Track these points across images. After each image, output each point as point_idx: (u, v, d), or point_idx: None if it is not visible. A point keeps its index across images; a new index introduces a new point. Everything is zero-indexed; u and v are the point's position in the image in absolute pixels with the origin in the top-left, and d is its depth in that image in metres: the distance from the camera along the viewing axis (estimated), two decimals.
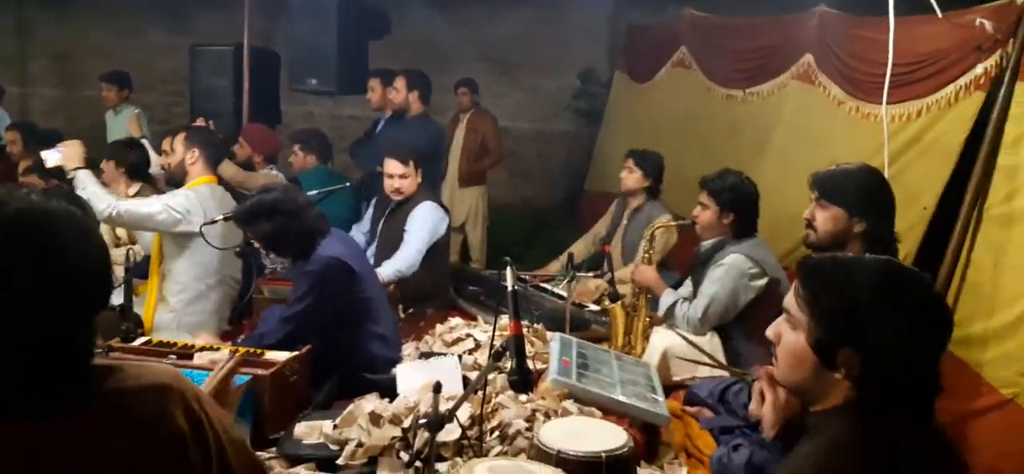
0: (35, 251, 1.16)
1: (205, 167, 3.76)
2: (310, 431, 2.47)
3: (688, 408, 2.84)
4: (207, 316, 3.71)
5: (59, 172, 3.78)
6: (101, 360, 1.30)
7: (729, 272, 3.19)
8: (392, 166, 4.09)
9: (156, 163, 4.58)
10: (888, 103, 3.55)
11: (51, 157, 3.67)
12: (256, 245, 3.16)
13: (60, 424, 1.20)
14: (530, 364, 2.85)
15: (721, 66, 5.36)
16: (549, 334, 3.24)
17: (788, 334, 1.43)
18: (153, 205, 3.59)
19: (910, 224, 3.43)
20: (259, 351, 2.88)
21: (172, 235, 3.64)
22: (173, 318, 3.66)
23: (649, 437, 2.48)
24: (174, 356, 2.84)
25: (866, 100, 3.90)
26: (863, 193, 2.66)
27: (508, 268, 1.92)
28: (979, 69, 3.23)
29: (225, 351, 2.87)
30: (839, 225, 2.65)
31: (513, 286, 1.89)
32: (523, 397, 2.42)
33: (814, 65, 4.39)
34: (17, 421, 1.18)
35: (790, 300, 1.44)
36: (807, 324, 1.39)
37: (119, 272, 3.27)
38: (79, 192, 3.48)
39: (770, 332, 1.49)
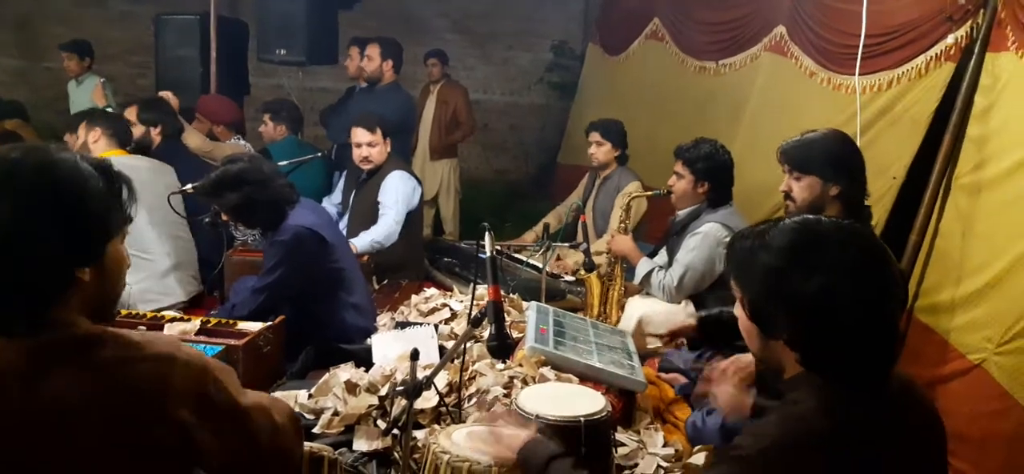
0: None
1: (109, 145, 3.74)
2: (286, 400, 2.44)
3: (663, 374, 2.86)
4: (149, 294, 3.61)
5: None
6: (104, 328, 1.29)
7: (705, 240, 3.21)
8: (360, 135, 4.05)
9: None
10: (859, 74, 3.58)
11: None
12: (224, 217, 3.09)
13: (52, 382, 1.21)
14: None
15: (694, 38, 5.36)
16: (525, 303, 3.23)
17: (738, 310, 1.46)
18: None
19: (880, 194, 3.47)
20: (231, 322, 2.85)
21: None
22: (128, 292, 3.54)
23: (626, 403, 2.49)
24: (144, 328, 2.78)
25: (838, 71, 3.92)
26: (834, 157, 2.68)
27: (487, 233, 1.90)
28: (949, 40, 3.25)
29: (197, 322, 2.83)
30: (815, 192, 2.67)
31: (492, 251, 1.87)
32: (500, 365, 2.41)
33: (787, 36, 4.40)
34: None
35: (729, 277, 1.47)
36: (740, 296, 1.42)
37: None
38: None
39: (735, 313, 1.50)
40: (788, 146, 2.76)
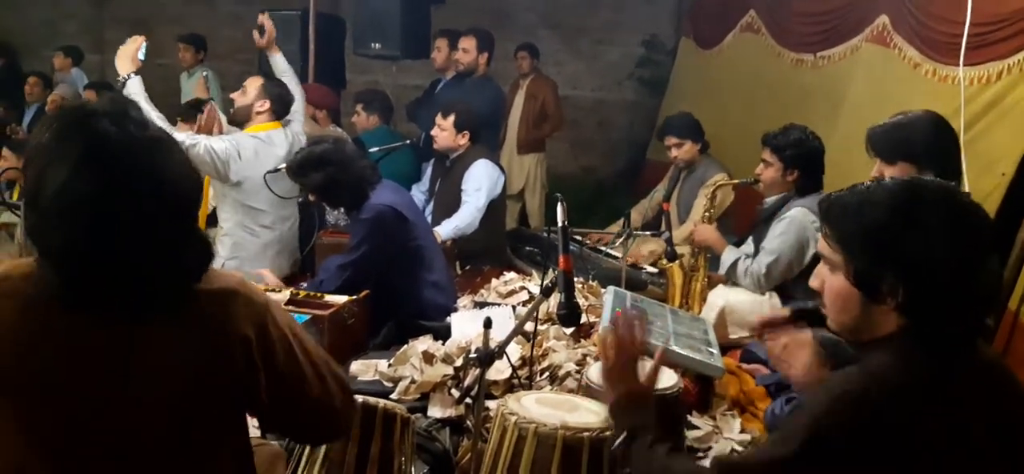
0: (138, 174, 1.24)
1: (270, 116, 3.77)
2: (366, 369, 2.53)
3: (745, 365, 2.79)
4: (255, 265, 3.60)
5: None
6: None
7: (792, 225, 3.12)
8: (437, 119, 4.16)
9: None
10: (966, 64, 3.40)
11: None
12: (312, 198, 3.22)
13: (137, 325, 1.27)
14: (584, 317, 2.86)
15: (792, 29, 5.21)
16: (604, 289, 3.22)
17: (829, 278, 1.40)
18: (198, 141, 3.52)
19: (988, 191, 3.29)
20: (319, 295, 2.96)
21: (217, 180, 3.63)
22: (219, 263, 3.59)
23: (702, 388, 2.45)
24: None
25: (943, 62, 3.74)
26: (926, 142, 2.56)
27: (559, 204, 1.91)
28: None
29: (286, 293, 2.95)
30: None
31: (564, 220, 1.88)
32: (573, 339, 2.41)
33: (890, 26, 4.22)
34: (102, 316, 1.25)
35: (822, 245, 1.41)
36: (843, 262, 1.35)
37: None
38: None
39: (813, 282, 1.45)
40: (876, 132, 2.65)
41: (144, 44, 3.57)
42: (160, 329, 1.28)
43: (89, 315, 1.25)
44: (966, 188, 3.01)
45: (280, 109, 3.81)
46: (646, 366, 1.62)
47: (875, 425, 1.25)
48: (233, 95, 3.90)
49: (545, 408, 1.82)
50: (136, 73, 3.49)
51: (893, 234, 1.30)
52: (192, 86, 6.45)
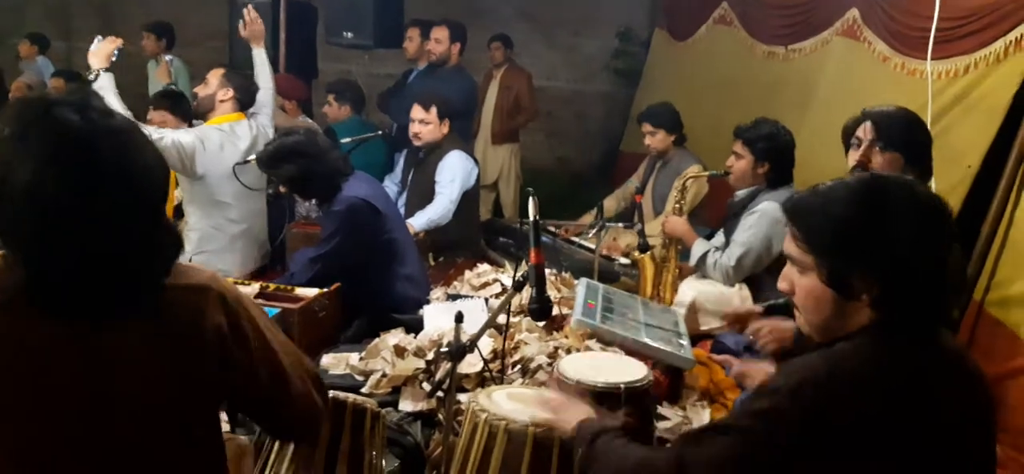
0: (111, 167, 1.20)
1: (234, 107, 3.72)
2: (337, 362, 2.52)
3: (715, 356, 2.81)
4: (222, 260, 3.59)
5: None
6: None
7: (762, 219, 3.15)
8: (415, 111, 4.14)
9: None
10: (934, 59, 3.45)
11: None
12: (282, 190, 3.19)
13: (111, 326, 1.24)
14: (556, 309, 2.87)
15: (763, 22, 5.25)
16: (577, 281, 3.23)
17: (800, 280, 1.40)
18: (165, 135, 3.48)
19: (953, 184, 3.34)
20: (289, 288, 2.94)
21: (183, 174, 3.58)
22: (185, 258, 3.62)
23: (673, 379, 2.47)
24: None
25: (912, 56, 3.79)
26: (915, 140, 2.58)
27: (530, 199, 1.91)
28: None
29: (255, 287, 2.93)
30: (895, 170, 2.56)
31: (535, 215, 1.88)
32: (547, 335, 2.42)
33: (859, 20, 4.27)
34: (77, 319, 1.22)
35: (790, 246, 1.41)
36: (813, 262, 1.35)
37: None
38: None
39: (781, 284, 1.45)
40: (876, 114, 2.63)
41: (120, 46, 3.57)
42: (131, 327, 1.26)
43: (58, 314, 1.22)
44: (933, 185, 3.06)
45: (244, 99, 3.76)
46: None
47: (834, 410, 1.25)
48: (196, 89, 3.87)
49: (515, 404, 1.82)
50: (107, 71, 3.47)
51: (861, 230, 1.31)
52: (156, 72, 6.35)
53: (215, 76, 3.75)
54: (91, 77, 3.46)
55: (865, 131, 2.60)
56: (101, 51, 3.48)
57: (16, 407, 1.23)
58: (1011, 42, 3.20)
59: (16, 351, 1.21)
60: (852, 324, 1.35)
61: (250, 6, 4.07)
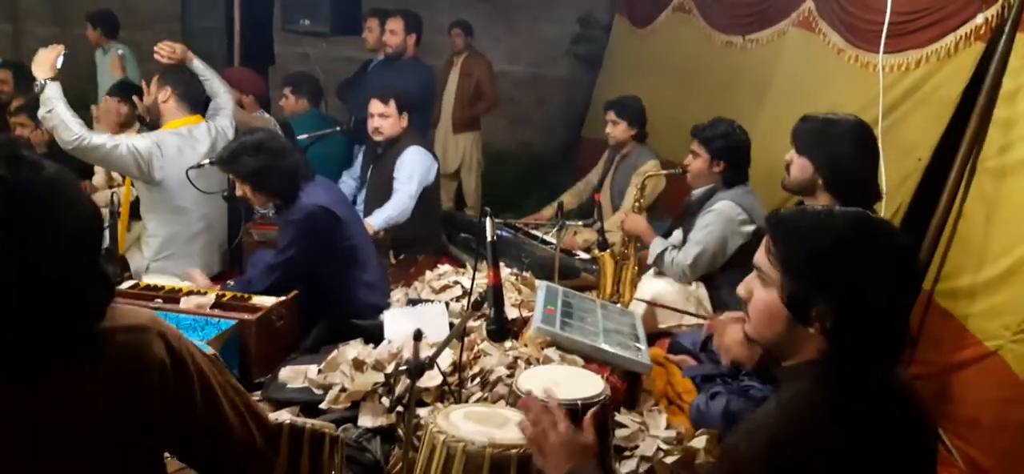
0: (36, 220, 1.17)
1: (179, 107, 3.61)
2: (295, 375, 2.50)
3: (671, 356, 2.86)
4: (181, 265, 3.52)
5: None
6: None
7: (718, 218, 3.19)
8: (374, 105, 4.10)
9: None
10: (887, 52, 3.50)
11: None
12: (239, 192, 3.14)
13: (42, 377, 1.21)
14: (517, 312, 2.88)
15: (721, 11, 5.27)
16: (537, 283, 3.24)
17: (759, 291, 1.41)
18: (120, 142, 3.41)
19: (905, 175, 3.41)
20: (246, 296, 2.90)
21: (141, 181, 3.51)
22: (144, 264, 3.58)
23: (630, 385, 2.50)
24: (161, 300, 2.85)
25: (865, 49, 3.83)
26: (841, 150, 2.67)
27: (487, 219, 1.91)
28: (979, 19, 3.16)
29: (212, 295, 2.88)
30: (806, 175, 2.68)
31: (492, 237, 1.88)
32: (506, 344, 2.43)
33: (815, 12, 4.30)
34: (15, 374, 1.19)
35: (761, 257, 1.41)
36: (779, 280, 1.36)
37: (104, 214, 3.24)
38: (43, 111, 3.30)
39: (741, 290, 1.46)
40: (802, 129, 2.74)
41: (63, 52, 3.46)
42: (67, 377, 1.23)
43: None
44: (884, 176, 3.13)
45: (188, 95, 3.65)
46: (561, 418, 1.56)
47: (792, 463, 1.27)
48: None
49: (473, 424, 1.82)
50: (53, 79, 3.37)
51: (836, 265, 1.31)
52: (107, 64, 6.17)
53: (152, 81, 3.67)
54: (38, 88, 3.36)
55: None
56: (45, 61, 3.38)
57: None
58: (961, 37, 3.26)
59: None
60: (800, 350, 1.37)
61: (163, 43, 3.86)
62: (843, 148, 2.65)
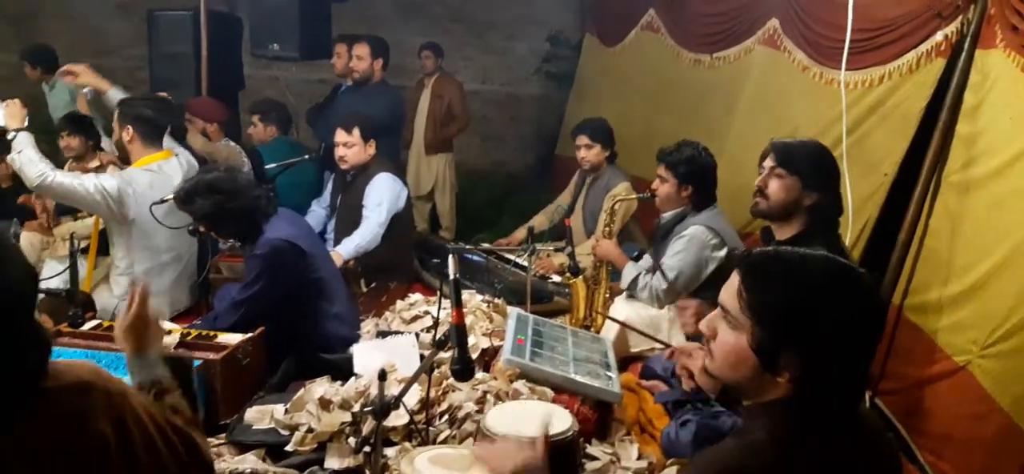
0: None
1: (144, 145, 3.59)
2: (261, 416, 2.45)
3: (643, 382, 2.84)
4: (154, 302, 3.51)
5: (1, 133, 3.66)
6: None
7: (691, 244, 3.19)
8: (338, 135, 4.07)
9: (106, 142, 4.46)
10: (849, 69, 3.54)
11: None
12: (201, 228, 3.10)
13: None
14: (488, 341, 2.86)
15: (688, 30, 5.30)
16: (508, 310, 3.22)
17: (726, 333, 1.36)
18: (86, 181, 3.40)
19: (870, 191, 3.44)
20: (212, 333, 2.85)
21: (113, 221, 3.49)
22: (113, 302, 3.53)
23: (602, 414, 2.48)
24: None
25: (829, 66, 3.87)
26: (818, 166, 2.66)
27: (450, 256, 1.89)
28: (939, 36, 3.20)
29: (177, 334, 2.83)
30: (792, 195, 2.65)
31: (455, 275, 1.86)
32: (477, 376, 2.40)
33: (780, 30, 4.34)
34: None
35: (730, 300, 1.36)
36: (750, 327, 1.32)
37: (65, 251, 3.21)
38: (14, 155, 3.36)
39: (704, 327, 1.42)
40: (781, 142, 2.73)
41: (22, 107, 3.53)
42: (5, 439, 1.20)
43: None
44: (849, 192, 3.15)
45: (149, 131, 3.62)
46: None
47: None
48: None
49: (438, 469, 1.80)
50: (24, 129, 3.43)
51: (810, 319, 1.29)
52: (58, 97, 5.94)
53: (114, 120, 3.65)
54: (9, 137, 3.41)
55: (769, 158, 2.69)
56: (12, 114, 3.46)
57: None
58: (923, 54, 3.30)
59: None
60: (765, 393, 1.35)
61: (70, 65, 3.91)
62: (832, 167, 2.69)
